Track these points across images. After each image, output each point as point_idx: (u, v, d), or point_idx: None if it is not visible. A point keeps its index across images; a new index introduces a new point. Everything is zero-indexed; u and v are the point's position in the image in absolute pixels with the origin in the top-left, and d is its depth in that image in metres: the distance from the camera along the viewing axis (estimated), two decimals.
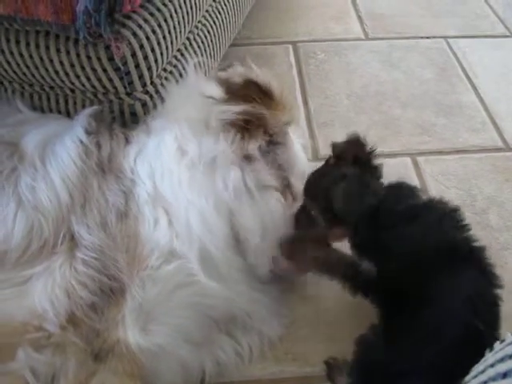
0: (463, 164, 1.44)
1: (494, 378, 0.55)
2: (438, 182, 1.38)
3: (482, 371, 0.59)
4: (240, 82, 1.10)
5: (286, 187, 1.10)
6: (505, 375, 0.53)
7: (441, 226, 0.89)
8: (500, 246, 1.24)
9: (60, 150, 1.01)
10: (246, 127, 1.06)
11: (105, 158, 1.00)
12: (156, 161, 1.00)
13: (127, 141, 1.05)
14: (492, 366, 0.57)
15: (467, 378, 0.62)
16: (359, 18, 2.00)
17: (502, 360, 0.55)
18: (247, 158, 1.05)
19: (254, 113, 1.07)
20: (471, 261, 0.87)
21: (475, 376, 0.60)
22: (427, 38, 1.91)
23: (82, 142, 1.02)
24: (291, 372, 1.02)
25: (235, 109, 1.06)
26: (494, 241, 1.24)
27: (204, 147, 1.03)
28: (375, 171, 0.99)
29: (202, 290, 0.93)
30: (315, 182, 1.00)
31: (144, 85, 1.11)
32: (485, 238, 1.23)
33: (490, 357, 0.61)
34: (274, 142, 1.11)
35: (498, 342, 0.64)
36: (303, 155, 1.23)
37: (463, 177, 1.40)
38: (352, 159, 0.97)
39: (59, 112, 1.19)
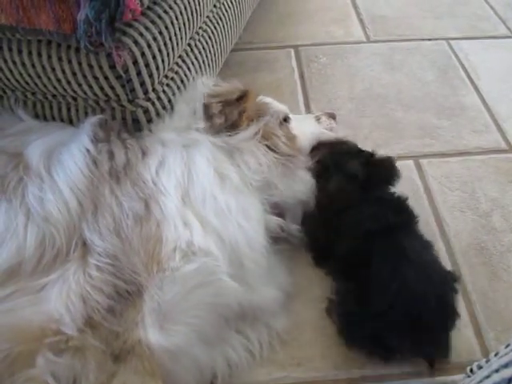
0: (466, 166, 1.44)
1: None
2: (442, 185, 1.38)
3: (487, 376, 0.59)
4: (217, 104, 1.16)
5: None
6: (509, 381, 0.53)
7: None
8: (504, 248, 1.23)
9: (66, 159, 1.01)
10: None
11: (119, 167, 1.01)
12: (190, 182, 1.03)
13: (143, 152, 1.06)
14: (497, 371, 0.57)
15: (472, 382, 0.62)
16: (360, 21, 2.01)
17: (506, 365, 0.55)
18: None
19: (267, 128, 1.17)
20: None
21: (480, 381, 0.59)
22: (429, 39, 1.91)
23: (88, 150, 1.02)
24: (296, 377, 1.01)
25: (248, 134, 1.14)
26: (497, 243, 1.24)
27: (243, 172, 1.09)
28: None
29: (220, 290, 0.95)
30: None
31: (146, 92, 1.11)
32: (489, 241, 1.24)
33: (494, 361, 0.61)
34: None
35: (502, 347, 0.63)
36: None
37: (467, 179, 1.40)
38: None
39: (62, 120, 1.20)
